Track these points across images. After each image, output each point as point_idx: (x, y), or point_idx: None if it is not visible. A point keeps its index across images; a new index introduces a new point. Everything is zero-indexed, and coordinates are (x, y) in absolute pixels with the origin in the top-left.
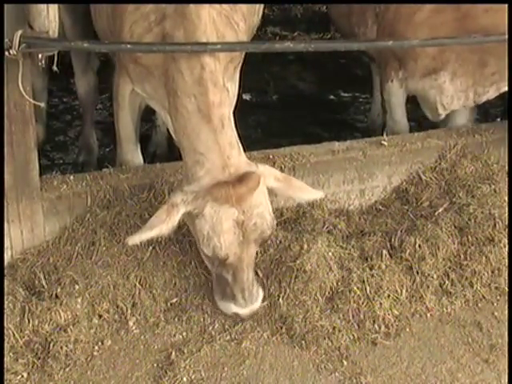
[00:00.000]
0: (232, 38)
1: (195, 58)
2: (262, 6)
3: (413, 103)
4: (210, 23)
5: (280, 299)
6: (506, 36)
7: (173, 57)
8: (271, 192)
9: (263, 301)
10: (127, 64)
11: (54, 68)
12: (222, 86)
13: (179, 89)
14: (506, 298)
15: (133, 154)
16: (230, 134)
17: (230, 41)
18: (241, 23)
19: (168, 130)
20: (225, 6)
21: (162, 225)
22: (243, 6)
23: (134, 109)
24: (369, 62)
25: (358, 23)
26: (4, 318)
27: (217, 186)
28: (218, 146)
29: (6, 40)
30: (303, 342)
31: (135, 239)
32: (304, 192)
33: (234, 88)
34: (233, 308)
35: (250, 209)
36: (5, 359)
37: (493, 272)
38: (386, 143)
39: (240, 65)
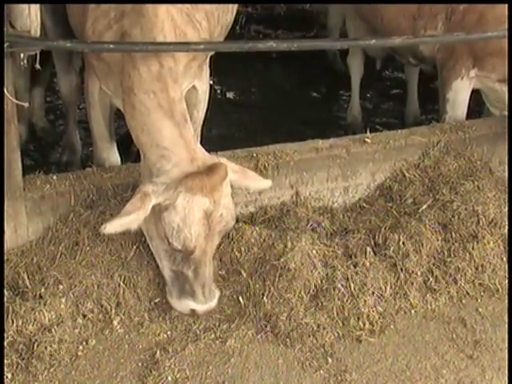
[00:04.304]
0: (193, 37)
1: (152, 56)
2: (235, 4)
3: (396, 100)
4: (168, 21)
5: (264, 297)
6: (507, 33)
7: (129, 54)
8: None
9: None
10: (92, 61)
11: (37, 66)
12: (180, 83)
13: (136, 86)
14: (490, 294)
15: (108, 152)
16: (190, 128)
17: (191, 39)
18: (203, 22)
19: None
20: (186, 4)
21: (139, 211)
22: (206, 5)
23: (104, 107)
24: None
25: (425, 26)
26: (3, 318)
27: (190, 176)
28: (183, 140)
29: None
30: (288, 339)
31: (113, 226)
32: (256, 182)
33: (202, 85)
34: (190, 305)
35: (219, 199)
36: None
37: (476, 268)
38: (369, 140)
39: (206, 62)
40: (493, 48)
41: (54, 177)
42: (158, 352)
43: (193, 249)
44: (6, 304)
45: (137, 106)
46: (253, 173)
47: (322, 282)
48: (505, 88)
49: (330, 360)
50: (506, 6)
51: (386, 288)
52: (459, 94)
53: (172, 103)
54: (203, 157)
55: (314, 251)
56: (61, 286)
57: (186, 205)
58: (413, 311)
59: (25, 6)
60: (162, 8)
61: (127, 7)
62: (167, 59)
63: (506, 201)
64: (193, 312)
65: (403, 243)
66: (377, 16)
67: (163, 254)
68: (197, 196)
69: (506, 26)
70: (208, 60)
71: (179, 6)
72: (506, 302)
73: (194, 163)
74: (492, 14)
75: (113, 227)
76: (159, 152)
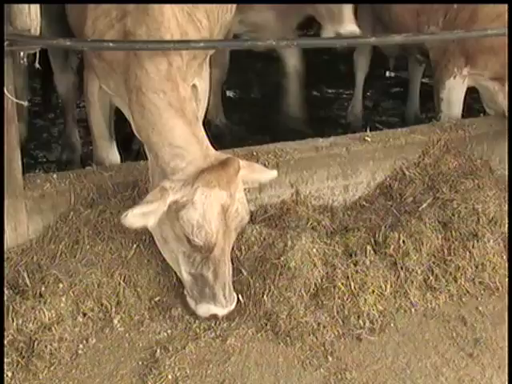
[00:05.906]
0: (194, 35)
1: (160, 55)
2: (234, 4)
3: (396, 98)
4: (174, 20)
5: (264, 296)
6: (506, 30)
7: (135, 53)
8: None
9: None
10: (91, 60)
11: (37, 65)
12: (189, 82)
13: (144, 85)
14: (490, 292)
15: (108, 152)
16: (201, 126)
17: (192, 38)
18: (204, 20)
19: None
20: (187, 3)
21: (160, 201)
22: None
23: (104, 106)
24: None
25: (427, 22)
26: (4, 317)
27: (206, 170)
28: (195, 138)
29: None
30: (288, 338)
31: (134, 214)
32: (263, 173)
33: (203, 84)
34: (212, 309)
35: (235, 192)
36: None
37: (476, 267)
38: (369, 139)
39: (206, 61)
40: (484, 45)
41: (54, 175)
42: (159, 350)
43: (214, 244)
44: (6, 303)
45: (146, 106)
46: (258, 165)
47: (322, 280)
48: (497, 87)
49: (330, 358)
50: (500, 5)
51: (386, 286)
52: (453, 93)
53: (183, 102)
54: (215, 153)
55: (315, 250)
56: (61, 285)
57: (204, 200)
58: (413, 310)
59: (25, 5)
60: (168, 7)
61: (130, 6)
62: (176, 58)
63: (506, 199)
64: (213, 317)
65: (403, 242)
66: (385, 11)
67: (181, 256)
68: (215, 189)
69: (497, 24)
70: (208, 59)
71: (180, 5)
72: (506, 300)
73: (208, 160)
74: (483, 12)
75: (134, 215)
76: (173, 151)
